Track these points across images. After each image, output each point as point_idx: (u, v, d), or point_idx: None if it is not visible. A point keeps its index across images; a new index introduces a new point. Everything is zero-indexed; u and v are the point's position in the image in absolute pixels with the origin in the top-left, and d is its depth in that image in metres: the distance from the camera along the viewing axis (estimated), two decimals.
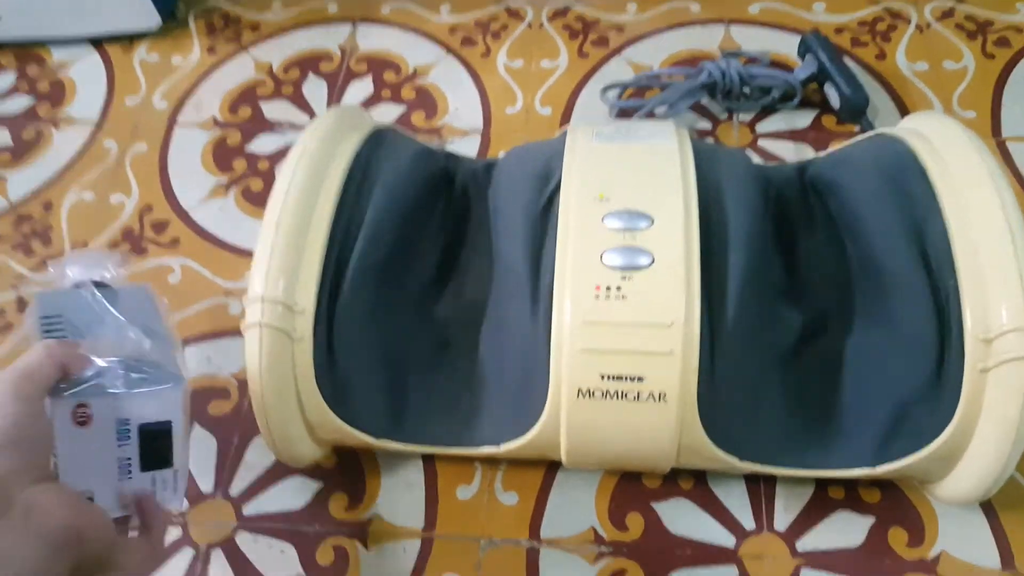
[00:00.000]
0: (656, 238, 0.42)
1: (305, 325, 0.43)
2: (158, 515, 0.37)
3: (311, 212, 0.45)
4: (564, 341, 0.41)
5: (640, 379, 0.41)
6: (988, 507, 0.48)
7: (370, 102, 0.73)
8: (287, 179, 0.45)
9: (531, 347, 0.42)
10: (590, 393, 0.41)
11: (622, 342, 0.40)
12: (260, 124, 0.73)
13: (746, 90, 0.66)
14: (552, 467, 0.52)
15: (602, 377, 0.41)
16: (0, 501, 0.29)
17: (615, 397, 0.41)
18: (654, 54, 0.72)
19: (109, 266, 0.40)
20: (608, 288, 0.41)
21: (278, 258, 0.43)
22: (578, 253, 0.42)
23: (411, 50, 0.75)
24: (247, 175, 0.69)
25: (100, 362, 0.35)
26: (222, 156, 0.71)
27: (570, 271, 0.42)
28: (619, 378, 0.41)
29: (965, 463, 0.41)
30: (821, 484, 0.50)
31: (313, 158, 0.46)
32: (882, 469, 0.42)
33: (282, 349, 0.43)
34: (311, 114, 0.73)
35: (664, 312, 0.40)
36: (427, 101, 0.72)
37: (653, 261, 0.41)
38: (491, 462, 0.53)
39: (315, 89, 0.74)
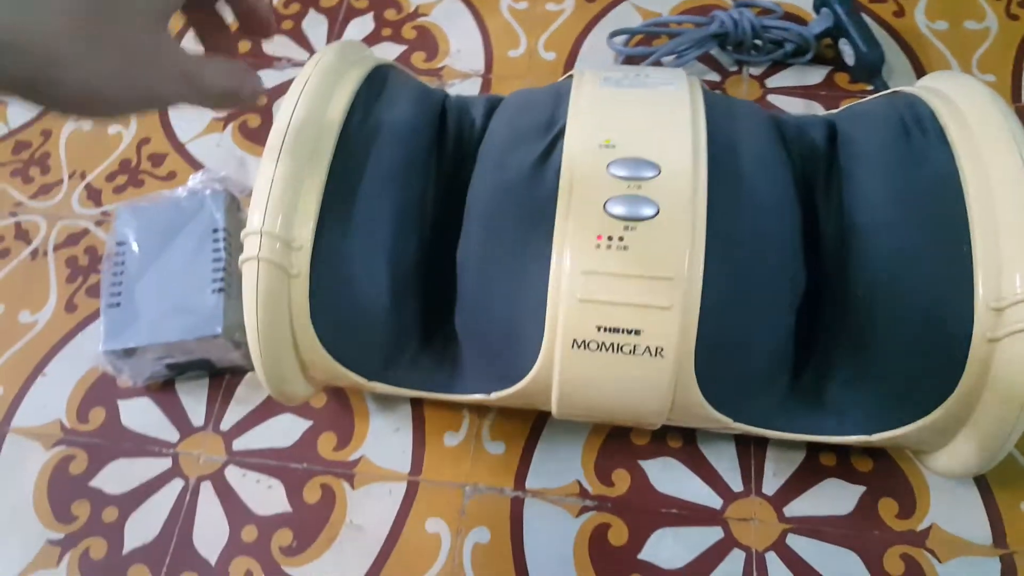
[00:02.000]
0: (662, 188, 0.40)
1: (302, 261, 0.42)
2: None
3: (311, 148, 0.43)
4: (562, 290, 0.40)
5: (637, 332, 0.39)
6: (982, 481, 0.48)
7: (370, 40, 0.71)
8: (288, 113, 0.44)
9: (527, 295, 0.41)
10: (585, 344, 0.40)
11: (621, 294, 0.39)
12: (259, 59, 0.71)
13: (758, 42, 0.64)
14: (540, 418, 0.52)
15: (598, 328, 0.40)
16: None
17: (611, 349, 0.40)
18: (664, 0, 0.70)
19: None
20: (610, 238, 0.40)
21: (277, 193, 0.42)
22: (581, 201, 0.41)
23: None
24: (246, 110, 0.68)
25: None
26: None
27: (572, 219, 0.41)
28: (616, 330, 0.40)
29: (964, 435, 0.40)
30: (812, 450, 0.49)
31: (314, 93, 0.45)
32: (878, 437, 0.41)
33: (279, 285, 0.42)
34: (311, 51, 0.71)
35: (666, 265, 0.39)
36: (428, 41, 0.70)
37: (658, 212, 0.40)
38: (479, 410, 0.52)
39: (315, 25, 0.72)
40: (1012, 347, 0.37)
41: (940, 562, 0.45)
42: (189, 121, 0.68)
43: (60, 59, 0.26)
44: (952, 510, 0.47)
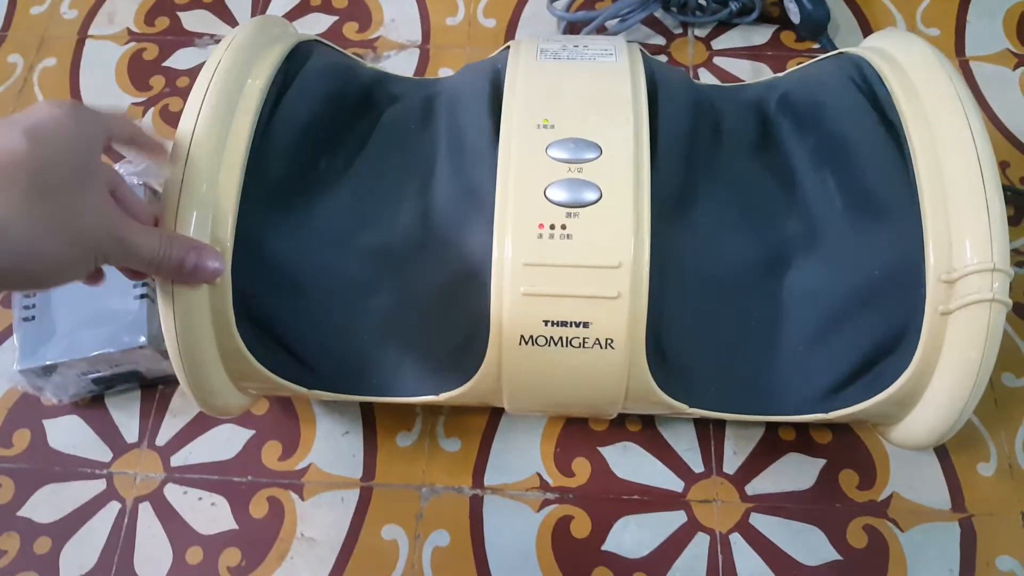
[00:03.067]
0: (604, 171, 0.38)
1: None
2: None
3: (225, 138, 0.40)
4: (504, 285, 0.38)
5: (586, 324, 0.38)
6: (940, 448, 0.47)
7: (298, 12, 0.66)
8: (197, 101, 0.40)
9: (470, 290, 0.39)
10: (533, 340, 0.38)
11: (567, 286, 0.37)
12: (179, 36, 0.66)
13: (702, 2, 0.62)
14: (496, 412, 0.50)
15: (545, 323, 0.38)
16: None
17: (559, 344, 0.38)
18: None
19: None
20: (552, 227, 0.38)
21: (188, 190, 0.38)
22: (520, 187, 0.38)
23: None
24: (166, 93, 0.63)
25: None
26: (138, 72, 0.65)
27: (511, 207, 0.38)
28: (563, 324, 0.38)
29: (921, 408, 0.39)
30: (771, 426, 0.49)
31: (228, 75, 0.41)
32: (836, 414, 0.40)
33: (197, 293, 0.39)
34: (235, 25, 0.66)
35: (612, 253, 0.37)
36: (360, 11, 0.66)
37: (601, 196, 0.38)
38: (432, 408, 0.50)
39: None
40: (964, 319, 0.36)
41: (902, 531, 0.45)
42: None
43: None
44: (911, 478, 0.47)
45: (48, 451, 0.51)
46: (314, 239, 0.41)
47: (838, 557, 0.45)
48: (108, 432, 0.51)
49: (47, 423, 0.52)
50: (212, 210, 0.38)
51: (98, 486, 0.50)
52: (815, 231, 0.39)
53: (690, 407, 0.41)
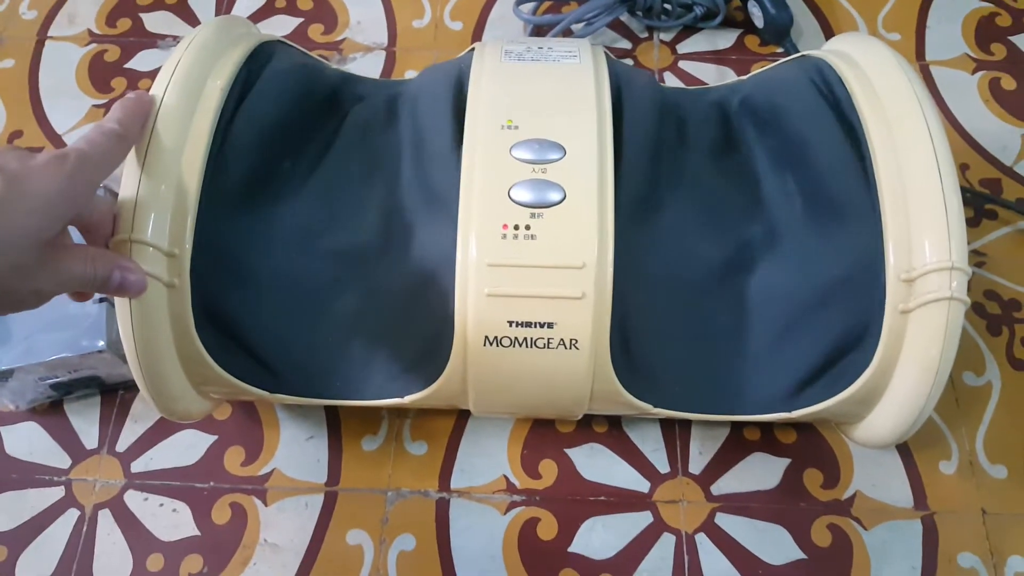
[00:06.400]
0: (568, 171, 0.38)
1: (179, 268, 0.38)
2: None
3: (184, 138, 0.39)
4: (469, 286, 0.37)
5: (550, 325, 0.38)
6: (903, 447, 0.48)
7: (262, 13, 0.66)
8: (155, 103, 0.39)
9: (434, 291, 0.39)
10: (497, 341, 0.38)
11: (531, 286, 0.37)
12: (141, 38, 0.65)
13: (667, 6, 0.62)
14: (463, 414, 0.50)
15: (510, 324, 0.38)
16: None
17: (524, 344, 0.38)
18: None
19: None
20: (516, 227, 0.37)
21: (145, 194, 0.38)
22: (484, 188, 0.38)
23: None
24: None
25: None
26: (99, 74, 0.63)
27: (476, 208, 0.38)
28: (528, 324, 0.38)
29: (883, 406, 0.40)
30: (737, 426, 0.49)
31: (187, 77, 0.40)
32: (799, 413, 0.40)
33: (155, 297, 0.38)
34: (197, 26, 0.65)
35: (575, 254, 0.37)
36: (326, 12, 0.66)
37: (565, 197, 0.38)
38: (398, 411, 0.50)
39: None
40: (924, 318, 0.36)
41: (866, 529, 0.46)
42: (66, 110, 0.62)
43: None
44: (874, 476, 0.47)
45: (5, 458, 0.50)
46: (276, 241, 0.41)
47: (803, 556, 0.45)
48: (67, 438, 0.50)
49: (3, 430, 0.51)
50: (170, 211, 0.38)
51: (56, 493, 0.49)
52: (777, 232, 0.40)
53: (655, 407, 0.41)
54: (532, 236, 0.37)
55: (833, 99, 0.41)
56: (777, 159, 0.41)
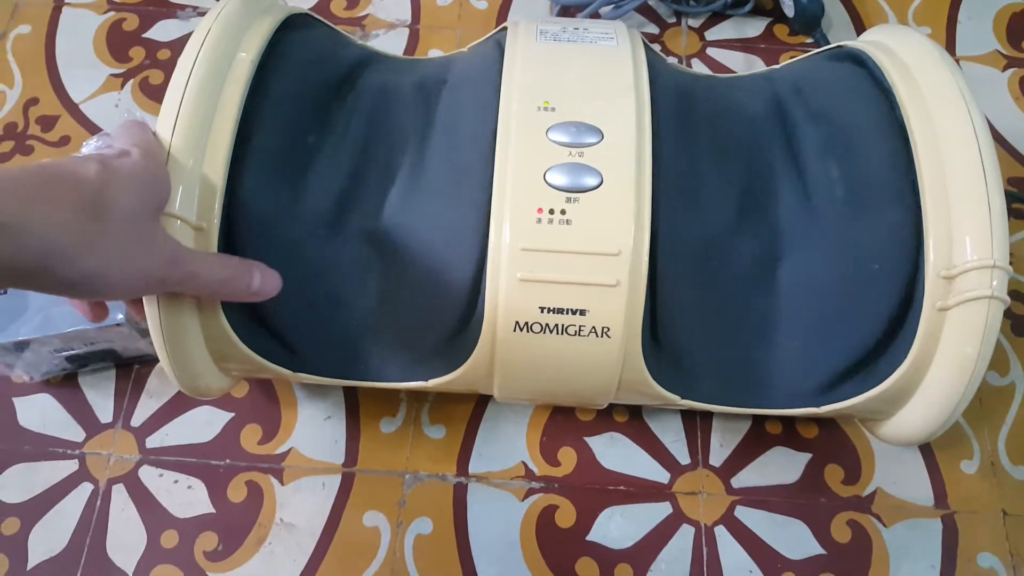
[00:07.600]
0: (606, 156, 0.37)
1: (208, 244, 0.38)
2: None
3: (212, 112, 0.38)
4: (501, 270, 0.37)
5: (583, 312, 0.37)
6: (924, 445, 0.48)
7: None
8: (184, 74, 0.39)
9: (464, 274, 0.38)
10: (528, 327, 0.37)
11: (565, 272, 0.37)
12: (161, 7, 0.64)
13: None
14: (482, 399, 0.49)
15: (541, 310, 0.37)
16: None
17: (555, 331, 0.37)
18: None
19: None
20: (552, 211, 0.37)
21: (174, 168, 0.37)
22: (519, 170, 0.37)
23: None
24: (146, 65, 0.61)
25: None
26: (117, 43, 0.62)
27: (510, 191, 0.37)
28: (560, 311, 0.37)
29: (913, 405, 0.39)
30: (758, 419, 0.49)
31: (216, 48, 0.40)
32: (827, 409, 0.40)
33: None
34: None
35: (611, 240, 0.36)
36: None
37: (602, 182, 0.37)
38: (418, 393, 0.49)
39: None
40: (962, 316, 0.36)
41: (886, 527, 0.46)
42: (83, 79, 0.61)
43: (58, 252, 0.28)
44: (896, 473, 0.47)
45: (19, 430, 0.49)
46: (304, 218, 0.40)
47: (822, 551, 0.45)
48: (81, 411, 0.50)
49: (17, 401, 0.50)
50: (199, 185, 0.37)
51: (70, 466, 0.48)
52: (816, 222, 0.39)
53: (683, 399, 0.41)
54: (567, 221, 0.37)
55: (880, 91, 0.40)
56: (823, 147, 0.40)
